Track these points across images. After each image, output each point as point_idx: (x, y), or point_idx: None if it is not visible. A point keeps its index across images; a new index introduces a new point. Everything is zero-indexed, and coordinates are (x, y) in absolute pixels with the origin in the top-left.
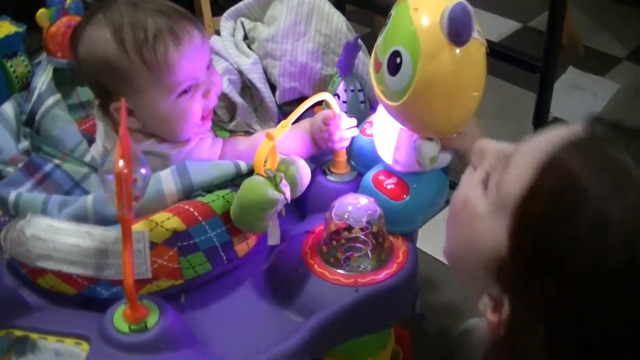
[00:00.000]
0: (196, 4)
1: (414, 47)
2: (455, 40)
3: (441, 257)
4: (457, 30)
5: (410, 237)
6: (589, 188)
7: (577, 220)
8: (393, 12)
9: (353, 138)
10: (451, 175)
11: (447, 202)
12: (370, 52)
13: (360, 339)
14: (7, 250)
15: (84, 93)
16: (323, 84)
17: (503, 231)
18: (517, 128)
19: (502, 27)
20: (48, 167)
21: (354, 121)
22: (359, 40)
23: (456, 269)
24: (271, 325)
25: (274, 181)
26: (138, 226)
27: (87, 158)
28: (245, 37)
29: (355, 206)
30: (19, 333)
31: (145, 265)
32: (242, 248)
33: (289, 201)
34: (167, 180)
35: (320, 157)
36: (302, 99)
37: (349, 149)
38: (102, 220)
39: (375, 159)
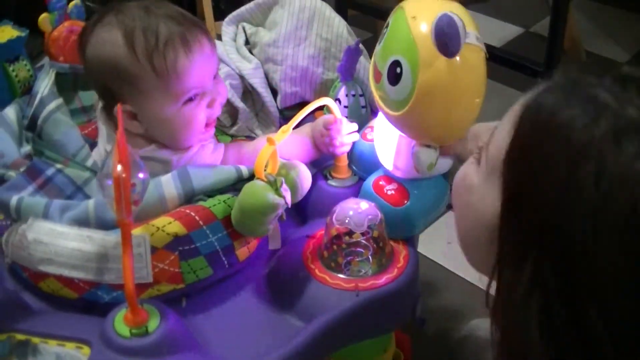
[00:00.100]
0: (198, 8)
1: (413, 56)
2: (443, 52)
3: (442, 261)
4: (443, 42)
5: (411, 241)
6: (567, 122)
7: (558, 159)
8: (390, 20)
9: (354, 143)
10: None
11: (449, 207)
12: (371, 57)
13: (361, 343)
14: (9, 254)
15: (86, 97)
16: (324, 88)
17: (497, 195)
18: None
19: (504, 32)
20: (50, 171)
21: (355, 126)
22: (360, 45)
23: (469, 256)
24: (272, 329)
25: (274, 186)
26: (139, 230)
27: (89, 162)
28: (247, 42)
29: (356, 211)
30: (20, 337)
31: (146, 269)
32: (243, 252)
33: (290, 206)
34: (168, 185)
35: (321, 161)
36: (303, 103)
37: (350, 154)
38: (104, 224)
39: (376, 164)
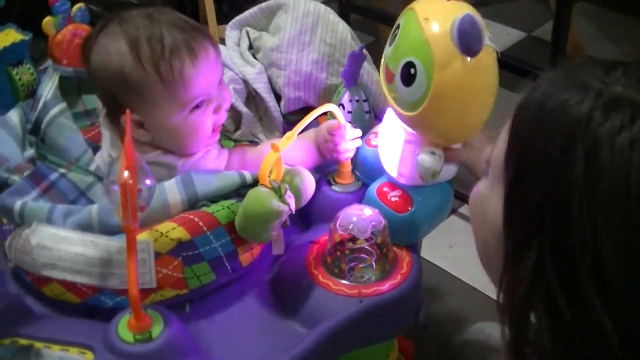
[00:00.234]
0: (201, 12)
1: (427, 57)
2: (466, 52)
3: (444, 266)
4: (467, 42)
5: (414, 247)
6: (557, 106)
7: (551, 140)
8: (401, 22)
9: (358, 149)
10: (457, 186)
11: (452, 212)
12: (375, 62)
13: (364, 349)
14: (12, 258)
15: (89, 101)
16: (328, 93)
17: (501, 197)
18: None
19: (506, 36)
20: (53, 176)
21: (359, 132)
22: (364, 50)
23: (488, 271)
24: (275, 335)
25: (278, 192)
26: (142, 236)
27: (92, 167)
28: (250, 47)
29: (360, 217)
30: (23, 342)
31: (149, 274)
32: (246, 258)
33: (294, 212)
34: (171, 191)
35: (325, 167)
36: (306, 108)
37: (354, 160)
38: (107, 229)
39: (380, 170)
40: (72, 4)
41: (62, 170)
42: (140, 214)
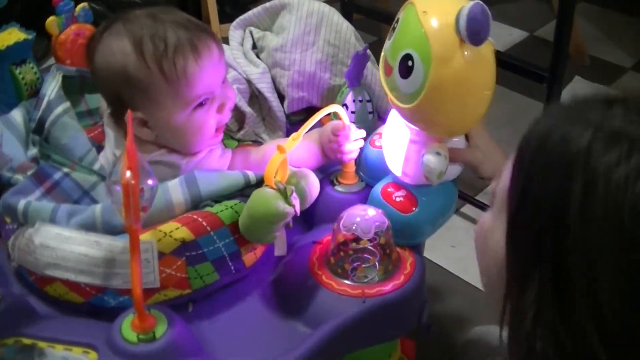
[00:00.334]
0: (203, 12)
1: (425, 49)
2: (473, 39)
3: (447, 266)
4: (476, 30)
5: (417, 248)
6: (559, 139)
7: (552, 171)
8: (401, 15)
9: (362, 149)
10: (460, 187)
11: (455, 212)
12: (378, 62)
13: (367, 349)
14: (15, 258)
15: (92, 101)
16: (331, 94)
17: (505, 227)
18: None
19: (509, 36)
20: (57, 175)
21: (363, 132)
22: (368, 51)
23: (492, 301)
24: (278, 335)
25: (284, 194)
26: (146, 236)
27: (96, 166)
28: (254, 47)
29: (364, 217)
30: (26, 341)
31: (153, 274)
32: (249, 258)
33: (299, 214)
34: (175, 191)
35: (327, 167)
36: (310, 108)
37: (358, 160)
38: (111, 229)
39: (383, 171)
40: (76, 4)
41: (65, 170)
42: (142, 214)
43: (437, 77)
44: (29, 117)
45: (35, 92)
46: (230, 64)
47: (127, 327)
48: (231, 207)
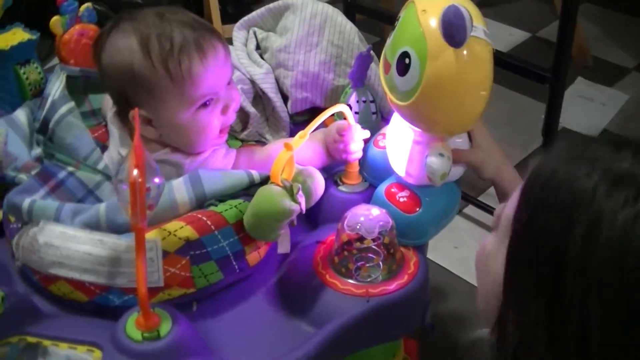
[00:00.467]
0: (206, 12)
1: (421, 47)
2: (449, 42)
3: (450, 267)
4: (450, 33)
5: (421, 248)
6: (566, 178)
7: (556, 210)
8: (402, 14)
9: (365, 150)
10: (463, 188)
11: (458, 212)
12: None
13: (370, 349)
14: (20, 257)
15: (96, 101)
16: (335, 94)
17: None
18: (526, 137)
19: (510, 36)
20: (62, 174)
21: (367, 133)
22: (371, 52)
23: (488, 324)
24: (282, 334)
25: (290, 192)
26: (150, 235)
27: (101, 165)
28: (258, 47)
29: (368, 217)
30: (31, 340)
31: (157, 273)
32: (253, 257)
33: (304, 212)
34: (179, 189)
35: (331, 167)
36: (313, 109)
37: (362, 161)
38: (115, 228)
39: (387, 171)
40: (80, 4)
41: (70, 169)
42: (148, 212)
43: (432, 75)
44: (33, 117)
45: (39, 92)
46: (234, 65)
47: (132, 326)
48: (235, 206)
